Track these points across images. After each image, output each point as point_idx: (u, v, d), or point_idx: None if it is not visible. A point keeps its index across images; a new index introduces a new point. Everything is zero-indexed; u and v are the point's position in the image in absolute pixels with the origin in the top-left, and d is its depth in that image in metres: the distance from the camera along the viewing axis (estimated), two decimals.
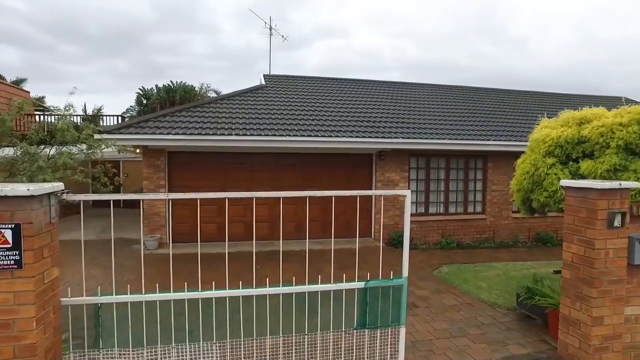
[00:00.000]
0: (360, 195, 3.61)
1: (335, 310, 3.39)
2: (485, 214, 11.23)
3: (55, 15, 52.34)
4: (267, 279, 3.32)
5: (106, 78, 48.31)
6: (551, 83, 57.80)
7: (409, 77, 62.77)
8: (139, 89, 25.96)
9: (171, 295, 3.12)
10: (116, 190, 6.95)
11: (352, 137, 9.43)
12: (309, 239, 10.63)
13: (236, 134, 8.97)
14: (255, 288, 3.29)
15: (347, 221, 10.48)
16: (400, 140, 9.66)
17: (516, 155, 11.66)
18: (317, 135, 9.27)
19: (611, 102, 17.70)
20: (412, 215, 10.88)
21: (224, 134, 8.93)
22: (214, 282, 3.23)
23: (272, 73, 14.84)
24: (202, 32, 60.38)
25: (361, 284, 3.41)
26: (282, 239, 10.24)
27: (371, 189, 10.54)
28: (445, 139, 10.00)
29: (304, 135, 9.19)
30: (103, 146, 6.34)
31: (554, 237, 11.19)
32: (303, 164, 10.21)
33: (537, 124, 5.99)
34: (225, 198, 3.10)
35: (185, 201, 9.82)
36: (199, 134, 8.88)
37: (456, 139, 10.07)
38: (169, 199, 9.37)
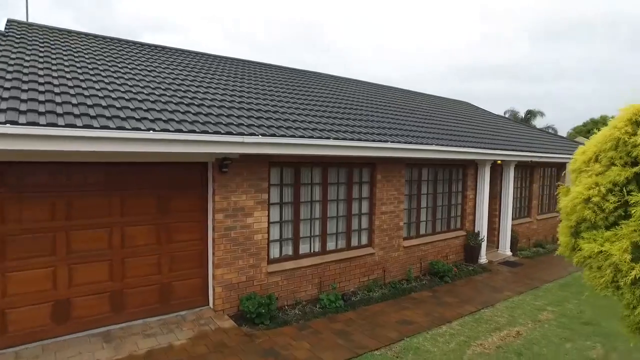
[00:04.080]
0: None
1: None
2: (373, 246, 7.99)
3: None
4: None
5: None
6: None
7: None
8: None
9: None
10: None
11: (168, 131, 4.82)
12: (79, 330, 5.30)
13: None
14: None
15: (162, 284, 5.77)
16: (259, 139, 5.50)
17: (411, 162, 8.94)
18: (91, 127, 4.35)
19: (459, 104, 17.28)
20: (275, 261, 6.82)
21: None
22: None
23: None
24: None
25: None
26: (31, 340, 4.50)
27: (206, 225, 6.10)
28: (329, 138, 6.27)
29: (56, 126, 4.15)
30: None
31: (451, 269, 8.69)
32: (65, 185, 5.07)
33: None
34: None
35: None
36: None
37: (344, 139, 6.45)
38: None
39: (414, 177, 8.78)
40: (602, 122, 44.61)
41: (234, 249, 6.11)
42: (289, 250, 6.92)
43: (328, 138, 6.20)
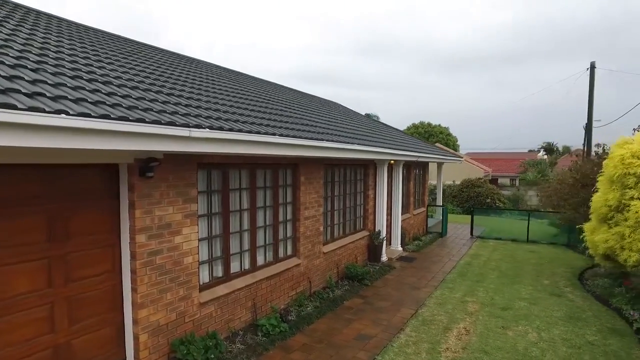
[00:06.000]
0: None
1: None
2: (298, 255, 7.21)
3: None
4: None
5: None
6: None
7: None
8: None
9: None
10: None
11: (90, 117, 3.15)
12: None
13: None
14: None
15: (56, 346, 3.90)
16: (208, 133, 4.16)
17: (327, 163, 8.16)
18: None
19: (335, 105, 17.58)
20: (206, 287, 5.42)
21: None
22: None
23: None
24: None
25: None
26: None
27: (119, 251, 4.39)
28: (267, 134, 5.23)
29: None
30: None
31: (369, 271, 8.57)
32: None
33: None
34: None
35: None
36: None
37: (287, 136, 5.50)
38: None
39: (328, 178, 8.33)
40: (421, 126, 52.65)
41: (161, 280, 4.57)
42: (219, 270, 5.62)
43: (272, 134, 5.19)
